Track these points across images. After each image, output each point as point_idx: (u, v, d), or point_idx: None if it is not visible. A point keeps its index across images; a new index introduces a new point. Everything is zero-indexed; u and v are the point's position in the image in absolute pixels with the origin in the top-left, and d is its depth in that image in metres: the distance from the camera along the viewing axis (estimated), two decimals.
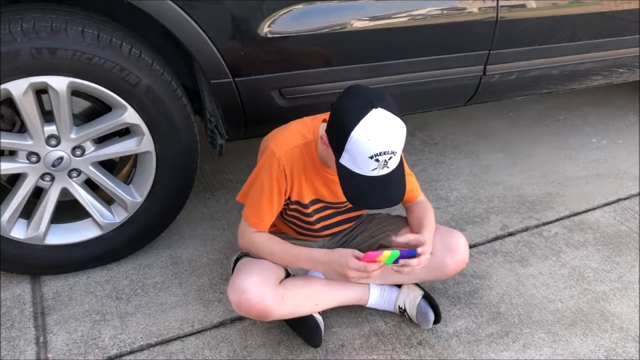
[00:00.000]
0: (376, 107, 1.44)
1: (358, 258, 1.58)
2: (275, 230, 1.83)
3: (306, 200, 1.68)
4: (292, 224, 1.77)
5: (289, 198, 1.68)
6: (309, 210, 1.71)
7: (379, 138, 1.43)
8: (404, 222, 1.83)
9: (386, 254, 1.55)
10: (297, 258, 1.68)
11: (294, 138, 1.63)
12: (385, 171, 1.48)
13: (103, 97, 1.71)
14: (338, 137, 1.48)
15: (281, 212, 1.74)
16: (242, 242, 1.72)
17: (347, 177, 1.50)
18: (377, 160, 1.44)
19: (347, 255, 1.59)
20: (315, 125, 1.64)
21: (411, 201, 1.81)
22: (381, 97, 1.49)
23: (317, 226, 1.76)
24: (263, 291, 1.59)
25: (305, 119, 1.68)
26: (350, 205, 1.75)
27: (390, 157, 1.45)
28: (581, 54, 2.32)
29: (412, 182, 1.79)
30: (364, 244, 1.86)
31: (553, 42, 2.21)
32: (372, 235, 1.85)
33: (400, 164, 1.55)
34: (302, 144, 1.62)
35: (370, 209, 1.68)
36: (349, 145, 1.45)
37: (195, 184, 2.04)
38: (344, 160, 1.49)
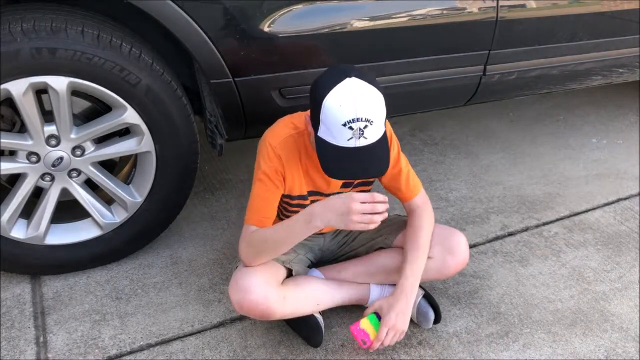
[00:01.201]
0: (350, 77, 1.44)
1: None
2: None
3: (305, 193, 1.68)
4: None
5: (289, 196, 1.67)
6: (308, 203, 1.69)
7: (350, 104, 1.41)
8: (402, 225, 1.80)
9: (364, 321, 1.65)
10: (291, 227, 1.56)
11: (287, 128, 1.64)
12: (363, 142, 1.45)
13: (103, 97, 1.71)
14: (314, 109, 1.48)
15: (284, 212, 1.74)
16: (242, 247, 1.62)
17: (325, 149, 1.47)
18: (351, 128, 1.42)
19: (351, 196, 1.47)
20: (307, 115, 1.62)
21: (408, 200, 1.77)
22: (357, 69, 1.48)
23: None
24: (266, 291, 1.59)
25: (297, 113, 1.70)
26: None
27: (366, 126, 1.43)
28: (581, 54, 2.32)
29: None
30: (362, 247, 1.86)
31: (553, 42, 2.21)
32: (370, 237, 1.84)
33: (383, 139, 1.50)
34: (295, 133, 1.63)
35: (347, 180, 1.63)
36: (322, 114, 1.44)
37: (195, 184, 2.03)
38: (321, 132, 1.48)
